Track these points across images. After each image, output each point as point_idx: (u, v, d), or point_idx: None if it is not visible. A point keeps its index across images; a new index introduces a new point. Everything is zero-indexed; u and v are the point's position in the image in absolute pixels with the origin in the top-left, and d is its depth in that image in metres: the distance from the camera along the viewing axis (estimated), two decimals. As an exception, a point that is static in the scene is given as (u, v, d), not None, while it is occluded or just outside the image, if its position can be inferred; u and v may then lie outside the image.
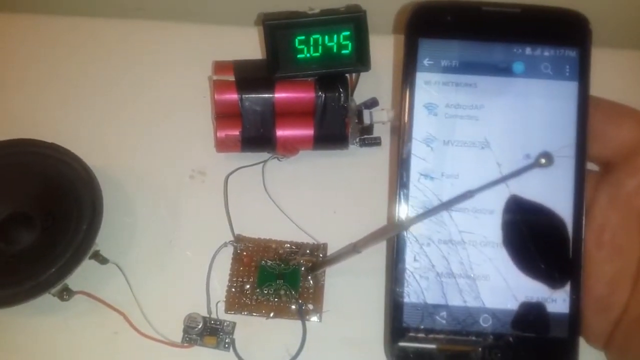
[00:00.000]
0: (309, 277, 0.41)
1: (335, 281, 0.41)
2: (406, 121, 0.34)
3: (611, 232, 0.33)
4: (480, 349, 0.33)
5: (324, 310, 0.40)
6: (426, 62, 0.34)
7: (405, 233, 0.34)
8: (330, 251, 0.42)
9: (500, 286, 0.34)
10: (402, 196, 0.34)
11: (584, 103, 0.34)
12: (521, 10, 0.34)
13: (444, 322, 0.34)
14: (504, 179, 0.33)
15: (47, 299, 0.39)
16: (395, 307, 0.34)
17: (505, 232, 0.34)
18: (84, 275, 0.40)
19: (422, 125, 0.34)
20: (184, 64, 0.49)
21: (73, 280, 0.39)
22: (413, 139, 0.34)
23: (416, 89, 0.34)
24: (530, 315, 0.34)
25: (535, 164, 0.29)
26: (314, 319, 0.40)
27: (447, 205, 0.34)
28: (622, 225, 0.33)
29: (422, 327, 0.34)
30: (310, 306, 0.40)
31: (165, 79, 0.49)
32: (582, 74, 0.34)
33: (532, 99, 0.34)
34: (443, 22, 0.34)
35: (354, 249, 0.36)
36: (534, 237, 0.34)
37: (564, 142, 0.34)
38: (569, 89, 0.34)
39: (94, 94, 0.48)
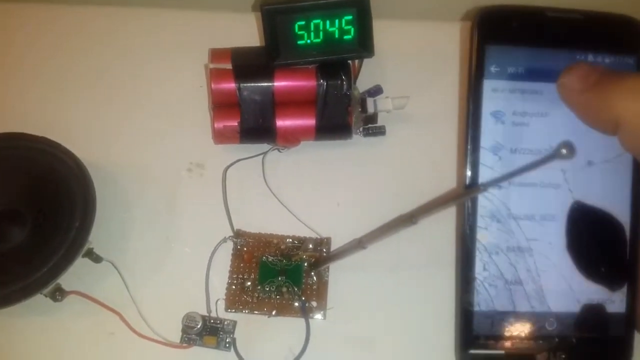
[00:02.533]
0: (312, 273, 0.39)
1: (340, 277, 0.40)
2: (473, 128, 0.34)
3: None
4: (545, 351, 0.35)
5: (328, 307, 0.39)
6: (493, 69, 0.34)
7: (473, 243, 0.34)
8: (334, 245, 0.41)
9: (565, 290, 0.35)
10: (471, 210, 0.34)
11: None
12: (583, 15, 0.34)
13: (512, 328, 0.34)
14: (520, 172, 0.32)
15: (39, 300, 0.37)
16: (465, 316, 0.34)
17: (569, 237, 0.35)
18: (77, 274, 0.38)
19: (489, 133, 0.34)
20: (179, 52, 0.48)
21: (66, 279, 0.38)
22: (481, 148, 0.34)
23: (483, 97, 0.34)
24: (591, 317, 0.35)
25: (556, 155, 0.28)
26: (318, 316, 0.39)
27: (460, 197, 0.34)
28: None
29: (491, 334, 0.34)
30: (314, 303, 0.39)
31: (160, 68, 0.47)
32: None
33: None
34: (509, 27, 0.34)
35: (360, 244, 0.35)
36: (595, 241, 0.35)
37: (622, 149, 0.34)
38: None
39: (86, 85, 0.47)
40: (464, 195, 0.34)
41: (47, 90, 0.47)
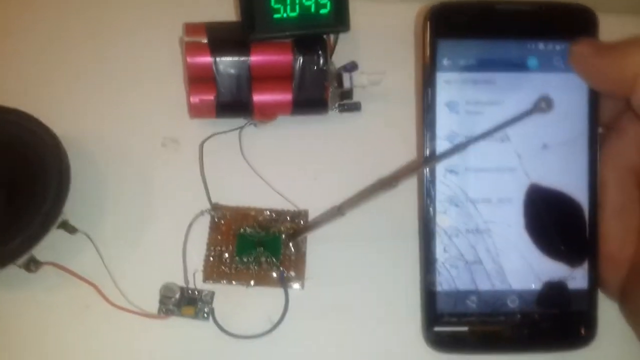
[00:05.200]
0: (290, 244, 0.40)
1: (318, 248, 0.40)
2: (429, 119, 0.36)
3: (611, 192, 0.35)
4: (509, 327, 0.36)
5: (306, 277, 0.39)
6: (445, 61, 0.36)
7: (434, 227, 0.36)
8: (311, 218, 0.41)
9: (525, 269, 0.36)
10: (430, 195, 0.36)
11: (594, 92, 0.36)
12: (531, 7, 0.36)
13: (474, 305, 0.36)
14: (502, 127, 0.33)
15: (12, 271, 0.37)
16: (429, 296, 0.36)
17: (527, 218, 0.36)
18: (52, 245, 0.38)
19: (444, 123, 0.36)
20: (153, 26, 0.47)
21: (41, 251, 0.37)
22: (437, 137, 0.36)
23: (437, 89, 0.36)
24: (553, 293, 0.36)
25: (536, 109, 0.29)
26: (296, 286, 0.39)
27: (438, 158, 0.35)
28: (619, 184, 0.35)
29: (455, 312, 0.36)
30: (292, 273, 0.39)
31: (135, 42, 0.46)
32: None
33: (547, 91, 0.35)
34: (459, 22, 0.36)
35: (339, 211, 0.35)
36: (553, 221, 0.36)
37: (578, 131, 0.36)
38: (580, 80, 0.36)
39: (58, 58, 0.46)
40: (442, 156, 0.34)
41: (19, 63, 0.46)
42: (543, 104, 0.29)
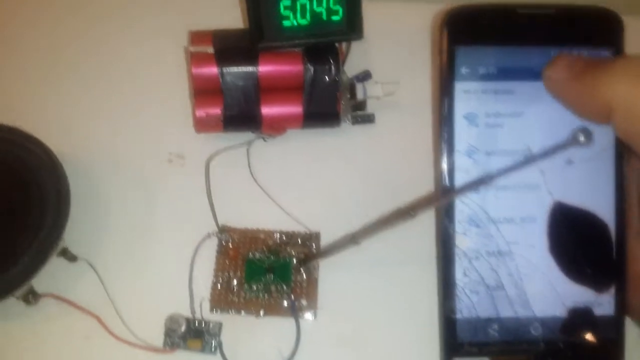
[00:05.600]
0: (302, 270, 0.38)
1: (330, 274, 0.38)
2: (447, 132, 0.33)
3: (635, 211, 0.33)
4: (532, 357, 0.34)
5: (318, 306, 0.37)
6: (463, 70, 0.33)
7: (453, 249, 0.34)
8: (323, 240, 0.39)
9: (549, 294, 0.34)
10: (449, 215, 0.34)
11: None
12: (555, 10, 0.33)
13: (496, 334, 0.34)
14: (534, 160, 0.31)
15: (11, 303, 0.35)
16: (448, 324, 0.34)
17: (551, 239, 0.34)
18: (51, 275, 0.36)
19: (463, 136, 0.34)
20: (156, 34, 0.45)
21: (39, 281, 0.36)
22: (455, 151, 0.33)
23: (455, 99, 0.33)
24: (578, 320, 0.34)
25: (573, 142, 0.26)
26: (308, 316, 0.37)
27: (462, 190, 0.33)
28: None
29: (475, 340, 0.34)
30: (304, 302, 0.37)
31: (137, 52, 0.44)
32: None
33: None
34: (478, 27, 0.34)
35: (353, 240, 0.33)
36: (579, 242, 0.34)
37: (603, 145, 0.33)
38: None
39: (58, 72, 0.44)
40: (467, 188, 0.32)
41: (18, 78, 0.44)
42: (581, 137, 0.26)
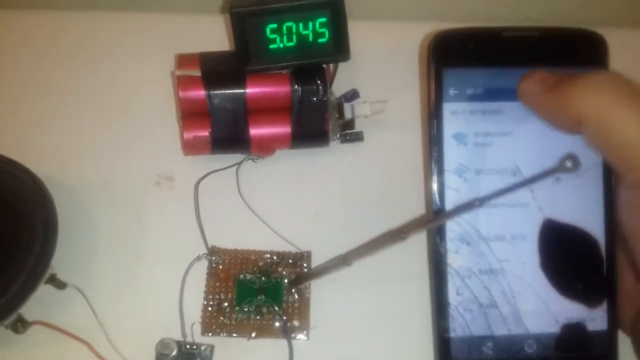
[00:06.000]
0: (293, 291, 0.37)
1: (322, 293, 0.38)
2: (436, 153, 0.34)
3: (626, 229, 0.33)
4: None
5: (311, 326, 0.37)
6: (452, 91, 0.34)
7: (445, 267, 0.34)
8: (314, 259, 0.39)
9: (542, 311, 0.34)
10: (440, 234, 0.34)
11: None
12: (539, 33, 0.34)
13: (490, 352, 0.34)
14: (523, 184, 0.31)
15: (-1, 332, 0.35)
16: (442, 343, 0.34)
17: (542, 256, 0.34)
18: (40, 302, 0.36)
19: (452, 156, 0.34)
20: (143, 58, 0.45)
21: (28, 309, 0.35)
22: (445, 171, 0.34)
23: (444, 120, 0.34)
24: (572, 336, 0.34)
25: (560, 168, 0.27)
26: (301, 336, 0.37)
27: (452, 214, 0.33)
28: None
29: (470, 359, 0.34)
30: (296, 323, 0.37)
31: (123, 75, 0.44)
32: None
33: None
34: (465, 50, 0.34)
35: (344, 261, 0.33)
36: (570, 258, 0.34)
37: (591, 162, 0.34)
38: None
39: (42, 95, 0.43)
40: (458, 211, 0.32)
41: (3, 106, 0.43)
42: (569, 164, 0.26)
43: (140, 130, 0.42)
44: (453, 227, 0.34)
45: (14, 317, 0.34)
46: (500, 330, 0.34)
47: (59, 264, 0.37)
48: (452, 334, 0.34)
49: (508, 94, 0.34)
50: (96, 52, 0.45)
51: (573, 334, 0.34)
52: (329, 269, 0.35)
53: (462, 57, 0.34)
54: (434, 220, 0.33)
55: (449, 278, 0.34)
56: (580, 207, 0.34)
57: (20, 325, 0.35)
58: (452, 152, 0.34)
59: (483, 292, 0.34)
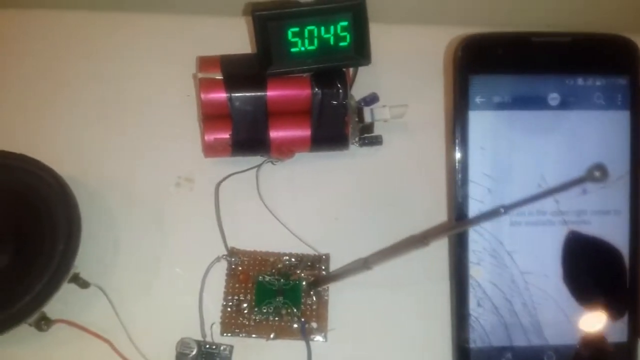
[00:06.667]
0: (312, 293, 0.38)
1: (340, 296, 0.38)
2: (461, 163, 0.34)
3: None
4: None
5: (329, 328, 0.37)
6: (478, 99, 0.33)
7: (467, 279, 0.34)
8: (332, 262, 0.39)
9: (562, 322, 0.34)
10: (463, 245, 0.34)
11: (637, 132, 0.34)
12: (571, 38, 0.33)
13: None
14: (550, 193, 0.31)
15: (23, 330, 0.35)
16: (462, 353, 0.34)
17: (565, 268, 0.34)
18: (63, 301, 0.36)
19: (477, 165, 0.34)
20: (165, 59, 0.45)
21: (51, 307, 0.36)
22: (470, 182, 0.33)
23: (469, 129, 0.33)
24: (591, 348, 0.34)
25: (588, 177, 0.27)
26: (319, 338, 0.37)
27: (474, 221, 0.33)
28: None
29: None
30: (314, 325, 0.37)
31: (146, 77, 0.45)
32: (634, 102, 0.34)
33: (585, 131, 0.34)
34: (493, 56, 0.33)
35: (365, 264, 0.33)
36: (592, 271, 0.34)
37: (619, 173, 0.34)
38: (621, 118, 0.34)
39: (65, 97, 0.44)
40: (481, 219, 0.32)
41: (24, 103, 0.44)
42: (597, 173, 0.26)
43: (161, 131, 0.43)
44: (476, 239, 0.34)
45: (37, 315, 0.35)
46: (519, 341, 0.34)
47: (82, 264, 0.37)
48: (472, 345, 0.34)
49: (536, 102, 0.33)
50: (119, 54, 0.46)
51: (592, 346, 0.34)
52: (349, 272, 0.35)
53: (490, 64, 0.33)
54: (456, 227, 0.33)
55: (470, 290, 0.34)
56: (605, 220, 0.34)
57: (44, 324, 0.36)
58: (476, 162, 0.33)
59: (504, 303, 0.34)
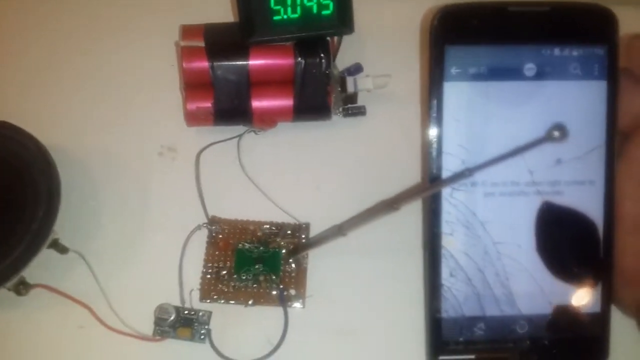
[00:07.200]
0: (291, 261, 0.38)
1: (319, 264, 0.38)
2: (436, 134, 0.33)
3: (629, 204, 0.33)
4: (517, 354, 0.34)
5: (307, 295, 0.37)
6: (453, 70, 0.33)
7: (439, 249, 0.33)
8: (313, 231, 0.39)
9: (535, 293, 0.34)
10: (436, 215, 0.33)
11: (613, 102, 0.33)
12: (549, 8, 0.33)
13: (482, 332, 0.34)
14: (509, 155, 0.30)
15: (2, 294, 0.36)
16: (434, 323, 0.34)
17: (538, 238, 0.34)
18: (42, 266, 0.36)
19: (451, 137, 0.33)
20: (147, 28, 0.45)
21: (31, 272, 0.36)
22: (444, 153, 0.33)
23: (444, 100, 0.33)
24: (564, 318, 0.34)
25: (548, 137, 0.26)
26: (297, 305, 0.37)
27: (443, 183, 0.32)
28: (638, 197, 0.33)
29: (461, 339, 0.34)
30: (293, 292, 0.37)
31: (128, 46, 0.45)
32: (611, 73, 0.33)
33: (561, 101, 0.33)
34: (469, 27, 0.33)
35: (340, 231, 0.33)
36: (566, 241, 0.34)
37: (594, 144, 0.33)
38: (598, 89, 0.33)
39: (48, 65, 0.44)
40: (448, 181, 0.32)
41: (7, 72, 0.44)
42: (556, 133, 0.26)
43: (144, 100, 0.43)
44: (449, 210, 0.33)
45: (16, 279, 0.35)
46: (492, 311, 0.34)
47: (62, 230, 0.38)
48: (444, 315, 0.34)
49: (512, 73, 0.33)
50: (102, 23, 0.45)
51: (566, 316, 0.34)
52: (325, 238, 0.35)
53: (465, 34, 0.33)
54: (424, 190, 0.32)
55: (443, 260, 0.33)
56: (580, 190, 0.34)
57: (23, 288, 0.36)
58: (451, 133, 0.33)
59: (477, 273, 0.34)
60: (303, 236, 0.39)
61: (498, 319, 0.34)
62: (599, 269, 0.34)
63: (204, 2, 0.45)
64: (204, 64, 0.39)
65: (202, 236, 0.39)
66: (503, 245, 0.33)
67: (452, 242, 0.33)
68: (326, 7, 0.39)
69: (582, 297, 0.34)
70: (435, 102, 0.33)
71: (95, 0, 0.46)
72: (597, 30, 0.33)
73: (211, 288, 0.37)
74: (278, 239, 0.39)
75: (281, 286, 0.37)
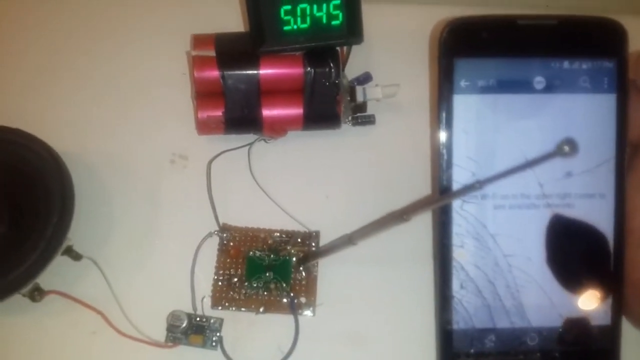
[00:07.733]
0: (301, 268, 0.38)
1: (329, 272, 0.38)
2: (445, 147, 0.33)
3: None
4: None
5: (317, 303, 0.38)
6: (463, 83, 0.33)
7: (450, 261, 0.34)
8: (322, 239, 0.40)
9: (546, 305, 0.34)
10: (446, 228, 0.33)
11: (623, 115, 0.33)
12: (558, 21, 0.33)
13: (492, 344, 0.34)
14: (520, 169, 0.30)
15: (17, 300, 0.36)
16: (444, 335, 0.34)
17: (548, 251, 0.34)
18: (56, 272, 0.37)
19: (461, 149, 0.33)
20: (160, 38, 0.45)
21: (45, 278, 0.36)
22: (454, 165, 0.33)
23: (454, 112, 0.33)
24: (575, 330, 0.34)
25: (557, 152, 0.27)
26: (307, 313, 0.38)
27: (453, 195, 0.33)
28: None
29: (472, 351, 0.34)
30: (303, 299, 0.38)
31: (141, 55, 0.45)
32: (620, 85, 0.33)
33: (571, 114, 0.33)
34: (478, 39, 0.33)
35: (350, 240, 0.34)
36: (576, 254, 0.34)
37: (604, 157, 0.33)
38: (607, 102, 0.33)
39: (61, 73, 0.44)
40: (458, 193, 0.32)
41: (20, 80, 0.44)
42: (566, 148, 0.26)
43: (156, 109, 0.43)
44: (460, 222, 0.33)
45: (31, 285, 0.36)
46: (503, 323, 0.34)
47: (75, 237, 0.38)
48: (455, 326, 0.34)
49: (521, 86, 0.33)
50: (114, 32, 0.46)
51: (576, 328, 0.34)
52: (335, 247, 0.35)
53: (475, 47, 0.33)
54: (434, 202, 0.33)
55: (454, 272, 0.34)
56: (591, 202, 0.34)
57: (37, 294, 0.36)
58: (461, 145, 0.33)
59: (487, 285, 0.34)
60: (313, 244, 0.39)
61: (508, 331, 0.34)
62: (609, 282, 0.34)
63: (215, 12, 0.45)
64: (215, 73, 0.40)
65: (214, 243, 0.39)
66: (513, 257, 0.34)
67: (462, 254, 0.34)
68: (336, 17, 0.40)
69: (593, 310, 0.34)
70: (444, 114, 0.33)
71: (107, 10, 0.47)
72: (606, 43, 0.33)
73: (222, 295, 0.38)
74: (288, 247, 0.39)
75: (292, 294, 0.38)
